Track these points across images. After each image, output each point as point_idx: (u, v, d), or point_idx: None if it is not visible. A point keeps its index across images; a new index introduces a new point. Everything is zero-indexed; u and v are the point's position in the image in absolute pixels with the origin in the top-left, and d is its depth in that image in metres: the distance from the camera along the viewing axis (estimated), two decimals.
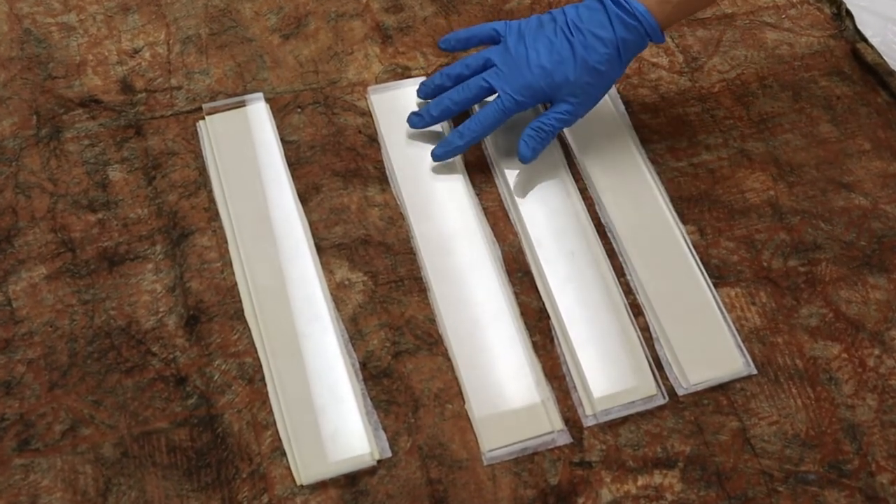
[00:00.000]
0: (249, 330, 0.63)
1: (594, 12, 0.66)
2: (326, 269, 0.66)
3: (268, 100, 0.73)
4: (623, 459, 0.60)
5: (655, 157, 0.73)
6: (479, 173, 0.72)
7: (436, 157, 0.70)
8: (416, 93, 0.73)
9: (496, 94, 0.68)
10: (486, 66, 0.69)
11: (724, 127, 0.75)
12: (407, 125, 0.72)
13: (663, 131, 0.75)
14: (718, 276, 0.68)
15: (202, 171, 0.70)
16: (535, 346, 0.64)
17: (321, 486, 0.58)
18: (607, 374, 0.63)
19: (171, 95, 0.73)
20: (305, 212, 0.68)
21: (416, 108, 0.73)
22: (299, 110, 0.73)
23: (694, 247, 0.69)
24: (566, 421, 0.61)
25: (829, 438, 0.61)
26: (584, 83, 0.66)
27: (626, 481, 0.59)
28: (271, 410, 0.60)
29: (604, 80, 0.67)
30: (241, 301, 0.64)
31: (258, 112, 0.72)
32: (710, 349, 0.64)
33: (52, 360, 0.61)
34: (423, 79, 0.74)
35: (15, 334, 0.62)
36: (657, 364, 0.64)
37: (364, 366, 0.63)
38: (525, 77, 0.67)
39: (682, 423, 0.62)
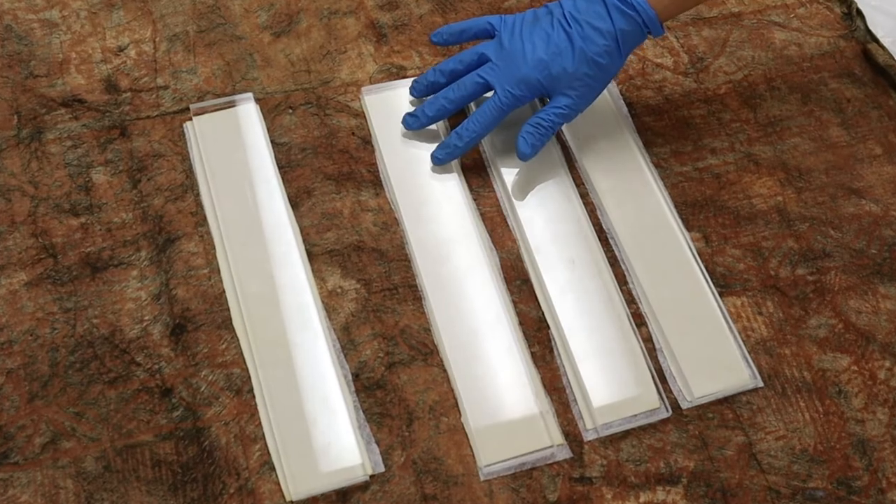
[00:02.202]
0: (237, 339, 0.63)
1: (592, 4, 0.66)
2: (318, 276, 0.66)
3: (258, 100, 0.73)
4: (625, 475, 0.60)
5: (659, 161, 0.73)
6: (477, 177, 0.71)
7: (437, 160, 0.70)
8: (408, 91, 0.73)
9: (492, 91, 0.68)
10: (481, 61, 0.69)
11: (730, 130, 0.75)
12: (402, 127, 0.72)
13: (667, 134, 0.74)
14: (724, 284, 0.67)
15: (189, 173, 0.69)
16: (533, 356, 0.64)
17: (311, 501, 0.58)
18: (609, 386, 0.63)
19: (158, 95, 0.73)
20: (296, 217, 0.68)
21: (410, 108, 0.73)
22: (290, 111, 0.73)
23: (699, 254, 0.68)
24: (566, 435, 0.61)
25: (839, 454, 0.61)
26: (582, 75, 0.65)
27: (627, 498, 0.59)
28: (260, 423, 0.60)
29: (603, 72, 0.66)
30: (228, 309, 0.64)
31: (248, 113, 0.72)
32: (715, 361, 0.64)
33: (33, 370, 0.61)
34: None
35: None
36: (660, 376, 0.64)
37: (356, 377, 0.62)
38: (521, 70, 0.66)
39: (686, 438, 0.61)
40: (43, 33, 0.75)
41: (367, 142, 0.72)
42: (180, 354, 0.62)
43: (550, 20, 0.66)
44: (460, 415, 0.61)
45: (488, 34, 0.69)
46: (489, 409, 0.61)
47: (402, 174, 0.70)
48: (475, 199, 0.70)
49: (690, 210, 0.70)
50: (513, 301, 0.66)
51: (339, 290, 0.65)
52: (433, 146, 0.70)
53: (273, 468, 0.58)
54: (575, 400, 0.62)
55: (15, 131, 0.70)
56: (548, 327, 0.65)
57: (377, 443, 0.60)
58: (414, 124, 0.70)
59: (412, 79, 0.74)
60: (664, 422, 0.62)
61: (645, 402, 0.62)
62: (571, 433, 0.61)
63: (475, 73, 0.68)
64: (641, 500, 0.59)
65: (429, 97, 0.71)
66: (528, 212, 0.69)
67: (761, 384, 0.63)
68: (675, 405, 0.62)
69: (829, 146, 0.74)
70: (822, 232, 0.70)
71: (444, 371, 0.63)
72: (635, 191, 0.70)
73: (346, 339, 0.63)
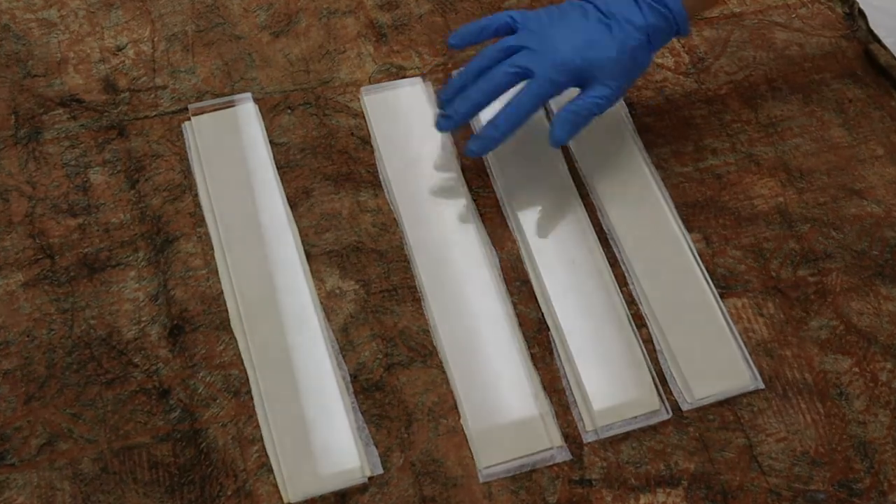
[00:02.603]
0: (236, 340, 0.63)
1: (623, 0, 0.64)
2: (316, 277, 0.65)
3: (256, 100, 0.73)
4: (625, 477, 0.59)
5: (660, 162, 0.72)
6: (477, 178, 0.71)
7: (471, 153, 0.65)
8: (437, 104, 0.68)
9: (525, 80, 0.64)
10: (509, 53, 0.65)
11: (731, 131, 0.74)
12: (401, 127, 0.71)
13: (668, 135, 0.74)
14: (725, 285, 0.67)
15: (187, 174, 0.69)
16: (533, 358, 0.63)
17: (309, 503, 0.57)
18: (609, 387, 0.62)
19: (156, 95, 0.72)
20: (295, 217, 0.68)
21: (409, 109, 0.72)
22: (289, 111, 0.73)
23: (699, 255, 0.68)
24: (566, 437, 0.61)
25: (840, 456, 0.61)
26: (623, 65, 0.64)
27: (627, 500, 0.59)
28: (258, 425, 0.60)
29: (637, 67, 0.65)
30: (227, 310, 0.64)
31: (246, 113, 0.71)
32: (715, 362, 0.64)
33: (29, 371, 0.61)
34: (417, 79, 0.74)
35: None
36: (661, 378, 0.63)
37: (355, 378, 0.62)
38: (561, 54, 0.63)
39: (687, 440, 0.61)
40: (41, 33, 0.75)
41: (366, 142, 0.71)
42: (178, 356, 0.62)
43: (583, 13, 0.65)
44: (459, 416, 0.61)
45: (509, 29, 0.66)
46: (488, 411, 0.61)
47: (401, 174, 0.69)
48: (475, 200, 0.69)
49: (691, 211, 0.70)
50: (512, 302, 0.65)
51: (337, 291, 0.65)
52: (433, 146, 0.70)
53: (271, 470, 0.58)
54: (574, 402, 0.62)
55: (12, 131, 0.70)
56: (548, 328, 0.64)
57: (376, 444, 0.59)
58: (448, 125, 0.66)
59: (412, 79, 0.74)
60: (664, 424, 0.61)
61: (645, 403, 0.61)
62: (571, 435, 0.61)
63: (507, 63, 0.64)
64: (641, 502, 0.58)
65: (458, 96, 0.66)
66: (529, 213, 0.69)
67: (762, 386, 0.63)
68: (675, 407, 0.62)
69: (831, 147, 0.74)
70: (823, 233, 0.69)
71: (444, 372, 0.62)
72: (636, 191, 0.70)
73: (344, 341, 0.63)
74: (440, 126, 0.66)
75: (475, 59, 0.66)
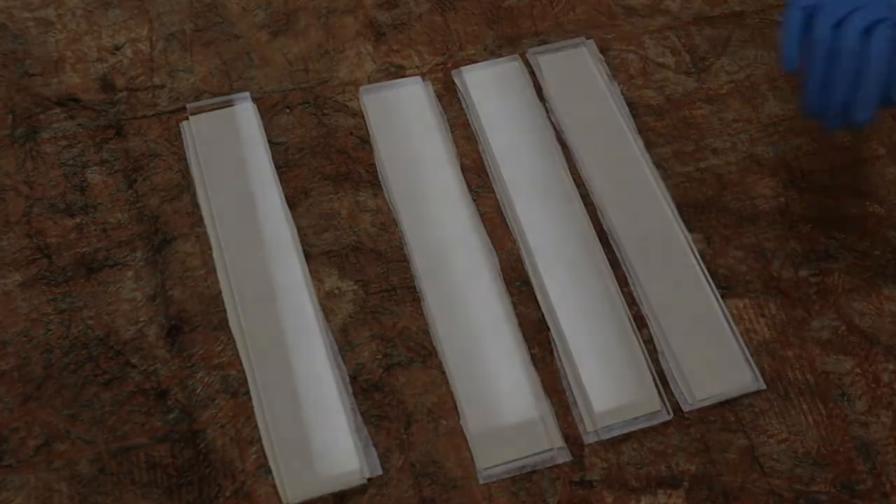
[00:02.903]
0: (234, 341, 0.63)
1: None
2: (315, 277, 0.65)
3: (255, 100, 0.73)
4: (625, 478, 0.59)
5: (661, 162, 0.72)
6: (477, 177, 0.71)
7: (860, 124, 0.60)
8: (805, 111, 0.62)
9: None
10: (840, 21, 0.60)
11: (732, 130, 0.74)
12: (400, 126, 0.71)
13: (669, 134, 0.74)
14: (726, 286, 0.67)
15: (185, 173, 0.69)
16: (533, 358, 0.63)
17: None
18: (609, 388, 0.62)
19: (154, 94, 0.72)
20: (294, 217, 0.68)
21: (408, 108, 0.72)
22: (288, 111, 0.73)
23: (700, 255, 0.68)
24: (566, 438, 0.61)
25: (842, 457, 0.61)
26: None
27: (628, 501, 0.59)
28: (256, 426, 0.60)
29: None
30: (225, 310, 0.64)
31: (245, 112, 0.71)
32: (716, 363, 0.64)
33: (27, 371, 0.61)
34: (417, 78, 0.74)
35: None
36: (661, 378, 0.63)
37: (354, 379, 0.62)
38: None
39: (688, 441, 0.61)
40: (38, 32, 0.75)
41: (365, 142, 0.71)
42: (176, 356, 0.61)
43: None
44: (459, 417, 0.61)
45: (809, 18, 0.61)
46: (488, 412, 0.61)
47: (400, 174, 0.69)
48: (475, 200, 0.69)
49: (692, 211, 0.70)
50: (512, 303, 0.65)
51: (336, 291, 0.65)
52: (433, 146, 0.70)
53: (270, 471, 0.58)
54: (575, 402, 0.62)
55: (10, 130, 0.70)
56: (548, 329, 0.64)
57: (375, 445, 0.59)
58: (838, 121, 0.61)
59: (412, 78, 0.74)
60: (665, 425, 0.61)
61: (646, 404, 0.61)
62: (571, 436, 0.60)
63: (853, 24, 0.58)
64: (642, 503, 0.58)
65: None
66: (528, 212, 0.68)
67: (764, 387, 0.62)
68: (676, 408, 0.62)
69: (833, 147, 0.73)
70: (825, 233, 0.69)
71: (443, 373, 0.62)
72: (636, 192, 0.70)
73: (343, 341, 0.63)
74: (835, 125, 0.61)
75: (818, 55, 0.60)
